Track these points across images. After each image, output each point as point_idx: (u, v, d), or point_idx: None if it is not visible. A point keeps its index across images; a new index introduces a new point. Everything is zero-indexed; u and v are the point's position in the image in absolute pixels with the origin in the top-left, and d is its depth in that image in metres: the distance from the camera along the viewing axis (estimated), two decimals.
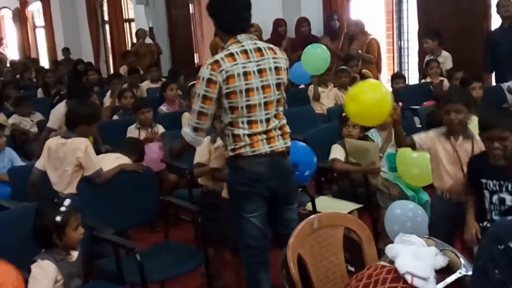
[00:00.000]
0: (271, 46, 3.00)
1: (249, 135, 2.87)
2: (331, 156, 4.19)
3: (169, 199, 4.03)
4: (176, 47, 10.99)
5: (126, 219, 3.63)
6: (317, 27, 8.06)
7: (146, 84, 7.86)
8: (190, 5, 10.62)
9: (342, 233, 2.53)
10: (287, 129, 3.02)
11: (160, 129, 5.28)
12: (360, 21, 7.92)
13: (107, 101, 6.93)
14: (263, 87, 2.87)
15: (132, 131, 5.23)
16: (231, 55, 2.83)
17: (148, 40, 9.92)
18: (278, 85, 2.94)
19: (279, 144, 2.95)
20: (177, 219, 4.66)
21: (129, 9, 12.38)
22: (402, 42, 9.04)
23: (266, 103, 2.89)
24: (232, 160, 2.92)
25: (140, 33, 10.05)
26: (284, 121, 3.01)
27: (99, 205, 3.55)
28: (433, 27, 7.22)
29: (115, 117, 6.11)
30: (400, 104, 4.50)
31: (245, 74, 2.82)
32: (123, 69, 9.20)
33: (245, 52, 2.85)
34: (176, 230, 4.28)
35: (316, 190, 4.46)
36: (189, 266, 3.36)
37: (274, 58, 2.94)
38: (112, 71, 12.16)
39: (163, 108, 6.18)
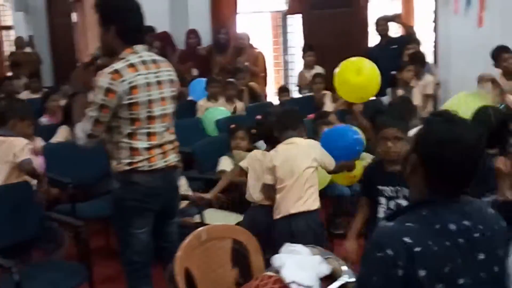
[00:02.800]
0: (163, 59, 2.97)
1: (147, 149, 2.81)
2: (219, 168, 4.20)
3: (51, 214, 3.85)
4: (58, 56, 10.57)
5: (5, 236, 3.41)
6: (205, 40, 8.08)
7: (25, 95, 7.48)
8: (73, 13, 10.27)
9: (230, 245, 2.54)
10: (177, 143, 3.01)
11: (38, 142, 5.01)
12: (248, 34, 8.06)
13: None
14: (161, 99, 2.84)
15: None
16: (132, 65, 2.75)
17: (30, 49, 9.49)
18: (172, 98, 2.93)
19: (172, 158, 2.94)
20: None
21: (7, 16, 11.76)
22: (287, 56, 9.33)
23: (163, 116, 2.86)
24: (126, 174, 2.82)
25: (18, 41, 9.58)
26: (175, 135, 2.99)
27: None
28: (316, 43, 7.53)
29: None
30: None
31: (147, 85, 2.78)
32: None
33: (144, 63, 2.80)
34: None
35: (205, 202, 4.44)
36: (72, 283, 3.21)
37: (167, 70, 2.92)
38: None
39: (44, 120, 5.90)
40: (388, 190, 2.98)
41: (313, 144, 3.49)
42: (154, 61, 2.86)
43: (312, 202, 3.31)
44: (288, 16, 8.91)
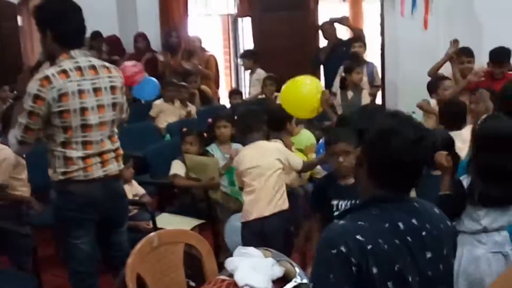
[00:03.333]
0: (106, 64, 2.89)
1: (83, 158, 2.75)
2: (171, 172, 4.16)
3: None
4: (4, 61, 10.27)
5: None
6: (155, 42, 8.01)
7: None
8: (18, 17, 10.01)
9: (182, 250, 2.52)
10: (121, 151, 2.95)
11: None
12: (199, 37, 8.03)
13: None
14: (98, 107, 2.76)
15: None
16: (64, 71, 2.67)
17: None
18: (113, 105, 2.85)
19: (113, 167, 2.88)
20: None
21: None
22: (238, 59, 9.34)
23: (101, 124, 2.79)
24: (62, 184, 2.76)
25: None
26: (118, 143, 2.93)
27: None
28: (267, 46, 7.59)
29: None
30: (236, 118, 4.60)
31: (80, 92, 2.69)
32: None
33: (79, 69, 2.72)
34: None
35: (157, 207, 4.41)
36: None
37: (109, 77, 2.84)
38: None
39: None
40: (343, 204, 2.93)
41: (276, 146, 3.52)
42: (92, 67, 2.78)
43: (282, 203, 3.35)
44: (239, 19, 8.92)
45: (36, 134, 2.72)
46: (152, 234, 2.50)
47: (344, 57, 6.38)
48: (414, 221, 1.69)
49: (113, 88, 2.84)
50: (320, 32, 7.09)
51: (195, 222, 3.93)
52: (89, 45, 7.26)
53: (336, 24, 6.87)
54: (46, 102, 2.63)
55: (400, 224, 1.66)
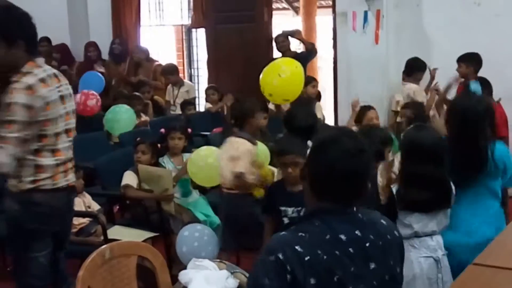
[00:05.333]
0: (59, 72, 2.86)
1: (52, 166, 2.70)
2: (123, 183, 4.09)
3: None
4: None
5: None
6: (106, 52, 7.92)
7: None
8: None
9: (135, 262, 2.47)
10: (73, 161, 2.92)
11: None
12: (145, 48, 7.98)
13: None
14: (66, 114, 2.75)
15: None
16: (43, 80, 2.62)
17: None
18: (73, 112, 2.85)
19: (71, 178, 2.85)
20: None
21: None
22: (192, 70, 9.32)
23: (67, 131, 2.77)
24: (27, 194, 2.67)
25: None
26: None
27: None
28: (220, 57, 7.61)
29: None
30: (190, 130, 4.57)
31: (56, 100, 2.68)
32: None
33: (49, 77, 2.69)
34: None
35: (108, 219, 4.32)
36: None
37: (66, 84, 2.83)
38: None
39: None
40: (289, 210, 3.02)
41: None
42: (55, 75, 2.75)
43: None
44: (193, 29, 8.90)
45: (28, 145, 2.61)
46: (104, 246, 2.44)
47: None
48: (357, 232, 1.71)
49: (71, 95, 2.84)
50: (274, 44, 7.15)
51: (147, 234, 3.87)
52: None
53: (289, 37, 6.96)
54: (35, 110, 2.57)
55: (342, 236, 1.68)
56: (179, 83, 7.32)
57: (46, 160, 2.68)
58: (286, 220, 3.01)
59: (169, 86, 7.39)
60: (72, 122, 2.82)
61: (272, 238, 1.72)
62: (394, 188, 2.78)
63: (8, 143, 2.54)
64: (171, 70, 7.41)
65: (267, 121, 4.50)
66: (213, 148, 4.03)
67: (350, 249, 1.67)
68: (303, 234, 1.67)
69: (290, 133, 3.69)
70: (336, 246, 1.66)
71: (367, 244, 1.71)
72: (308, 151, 1.78)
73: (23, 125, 2.55)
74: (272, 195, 3.18)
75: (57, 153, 2.73)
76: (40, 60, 2.72)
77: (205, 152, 3.97)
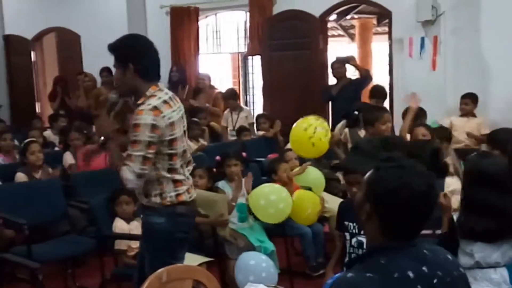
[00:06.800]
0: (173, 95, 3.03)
1: (184, 180, 2.93)
2: None
3: (7, 256, 3.74)
4: (16, 96, 10.42)
5: None
6: (164, 79, 8.11)
7: None
8: (32, 52, 10.20)
9: (190, 286, 2.51)
10: None
11: None
12: (208, 75, 8.14)
13: None
14: (183, 134, 2.95)
15: None
16: (166, 102, 2.82)
17: None
18: (185, 132, 3.02)
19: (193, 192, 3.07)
20: (13, 278, 4.32)
21: None
22: (248, 96, 9.43)
23: (185, 150, 2.97)
24: (170, 207, 2.88)
25: None
26: None
27: None
28: (276, 83, 7.69)
29: None
30: (244, 154, 4.64)
31: (178, 120, 2.87)
32: None
33: (171, 99, 2.88)
34: None
35: None
36: None
37: (180, 106, 2.99)
38: None
39: None
40: (351, 225, 3.04)
41: None
42: (172, 98, 2.92)
43: None
44: (248, 57, 9.04)
45: (151, 164, 2.81)
46: (161, 269, 2.49)
47: (351, 96, 6.46)
48: (424, 268, 1.66)
49: (183, 116, 3.00)
50: (329, 70, 7.18)
51: (202, 258, 3.91)
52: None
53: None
54: (161, 130, 2.76)
55: (410, 273, 1.63)
56: (238, 108, 7.42)
57: (180, 176, 2.90)
58: (347, 236, 3.05)
59: (227, 112, 7.50)
60: (185, 142, 2.99)
61: (339, 281, 1.64)
62: (455, 216, 2.72)
63: (132, 160, 2.76)
64: (232, 95, 7.52)
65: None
66: (276, 186, 4.18)
67: (419, 287, 1.62)
68: (371, 275, 1.61)
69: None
70: (405, 285, 1.61)
71: (435, 281, 1.66)
72: (369, 188, 1.74)
73: (147, 144, 2.74)
74: (341, 211, 3.23)
75: (184, 170, 2.95)
76: (162, 85, 2.92)
77: (269, 189, 4.10)
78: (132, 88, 2.90)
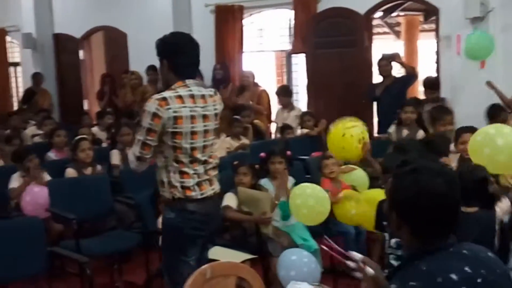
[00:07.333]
0: (211, 92, 3.11)
1: (192, 175, 2.96)
2: (224, 204, 4.19)
3: (56, 250, 3.84)
4: (65, 93, 10.67)
5: (8, 272, 3.40)
6: (208, 77, 8.16)
7: (31, 130, 7.53)
8: (80, 51, 10.42)
9: (234, 283, 2.53)
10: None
11: (45, 176, 5.04)
12: (252, 72, 8.15)
13: None
14: (205, 132, 3.00)
15: (16, 180, 4.94)
16: (180, 97, 2.90)
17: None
18: (215, 130, 3.11)
19: (217, 186, 3.10)
20: (62, 272, 4.43)
21: (15, 53, 11.91)
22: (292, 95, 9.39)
23: (205, 146, 3.02)
24: (180, 202, 2.94)
25: (37, 77, 9.68)
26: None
27: None
28: (320, 81, 7.65)
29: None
30: (289, 153, 4.64)
31: (192, 117, 2.92)
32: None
33: (192, 97, 2.95)
34: (60, 283, 4.06)
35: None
36: None
37: (213, 105, 3.07)
38: None
39: (51, 154, 5.93)
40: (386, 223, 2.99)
41: None
42: (202, 96, 3.00)
43: None
44: (292, 55, 9.01)
45: (152, 151, 2.93)
46: (205, 266, 2.52)
47: (397, 94, 6.39)
48: (466, 268, 1.64)
49: (216, 115, 3.09)
50: (374, 68, 7.11)
51: (246, 256, 3.93)
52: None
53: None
54: (162, 121, 2.85)
55: (453, 276, 1.61)
56: (290, 106, 7.38)
57: (187, 168, 2.95)
58: (387, 236, 3.02)
59: (279, 109, 7.47)
60: (211, 139, 3.06)
61: None
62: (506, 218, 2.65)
63: (135, 143, 2.96)
64: (283, 91, 7.50)
65: None
66: (318, 187, 4.12)
67: None
68: (414, 283, 1.60)
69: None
70: None
71: (479, 280, 1.64)
72: (391, 198, 1.73)
73: (147, 130, 2.87)
74: (380, 210, 3.19)
75: (194, 164, 2.97)
76: (190, 81, 2.98)
77: (311, 191, 4.06)
78: (166, 83, 3.04)
